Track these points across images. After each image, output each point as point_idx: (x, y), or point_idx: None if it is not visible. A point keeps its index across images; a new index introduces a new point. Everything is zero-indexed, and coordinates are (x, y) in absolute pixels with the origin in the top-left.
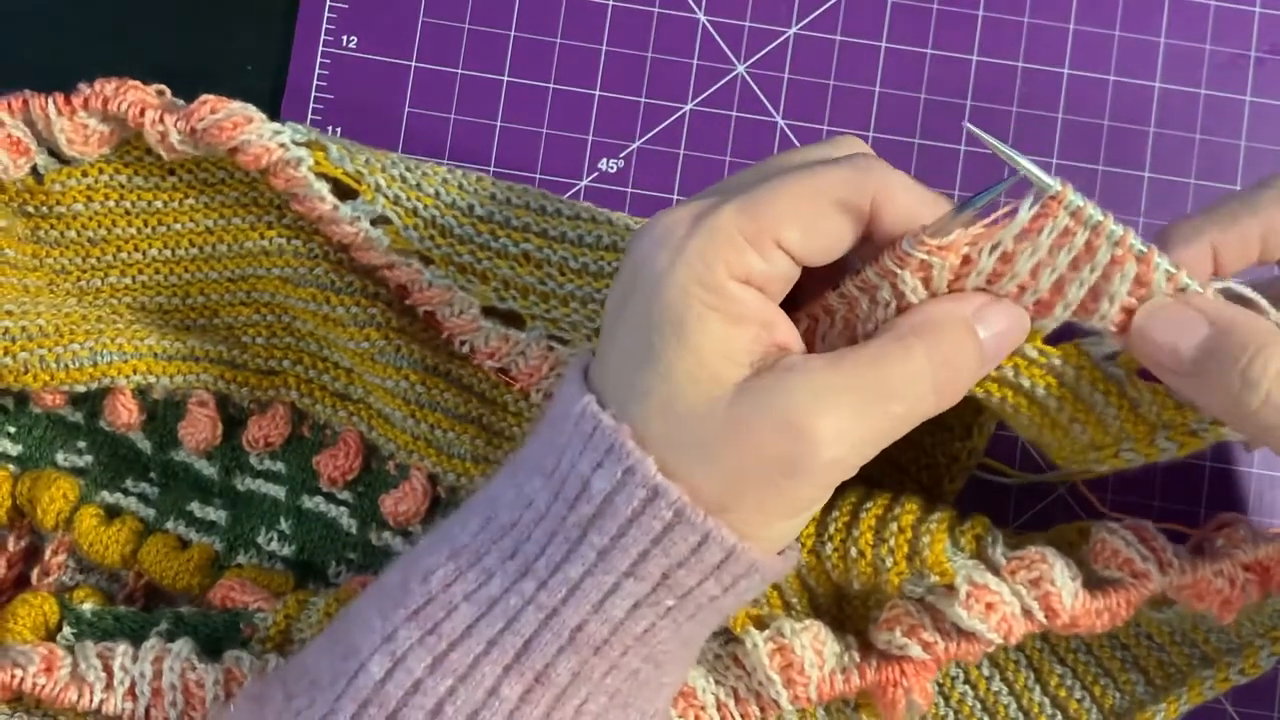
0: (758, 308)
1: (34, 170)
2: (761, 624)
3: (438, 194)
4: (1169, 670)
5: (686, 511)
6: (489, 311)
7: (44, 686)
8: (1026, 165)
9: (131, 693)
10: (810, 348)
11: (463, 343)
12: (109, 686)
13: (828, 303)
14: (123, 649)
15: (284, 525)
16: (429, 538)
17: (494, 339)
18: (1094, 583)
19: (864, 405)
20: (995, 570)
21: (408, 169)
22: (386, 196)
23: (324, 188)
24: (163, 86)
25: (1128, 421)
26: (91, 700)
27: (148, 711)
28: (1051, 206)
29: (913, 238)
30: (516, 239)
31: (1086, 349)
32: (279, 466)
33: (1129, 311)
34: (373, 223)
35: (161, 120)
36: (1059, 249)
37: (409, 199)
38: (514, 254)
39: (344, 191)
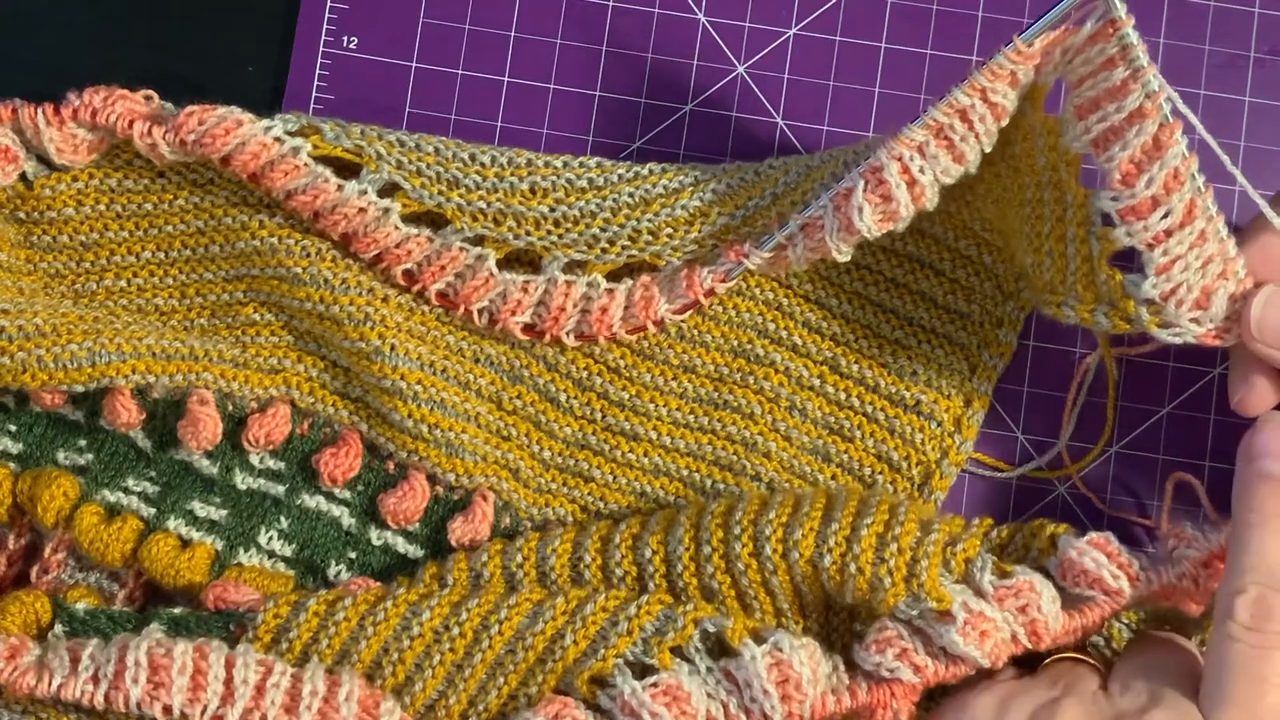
0: None
1: (22, 176)
2: (758, 636)
3: (437, 150)
4: None
5: None
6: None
7: (3, 672)
8: None
9: (94, 677)
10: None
11: (482, 312)
12: (73, 674)
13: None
14: (95, 642)
15: (284, 524)
16: None
17: (514, 291)
18: (1065, 598)
19: None
20: (984, 596)
21: (403, 134)
22: (390, 163)
23: (327, 171)
24: (150, 92)
25: (1081, 282)
26: (50, 685)
27: (107, 695)
28: (1107, 32)
29: (1006, 50)
30: (522, 174)
31: (1092, 200)
32: (279, 465)
33: (1136, 166)
34: (381, 194)
35: (150, 133)
36: (1102, 73)
37: (412, 161)
38: (522, 189)
39: (345, 175)
